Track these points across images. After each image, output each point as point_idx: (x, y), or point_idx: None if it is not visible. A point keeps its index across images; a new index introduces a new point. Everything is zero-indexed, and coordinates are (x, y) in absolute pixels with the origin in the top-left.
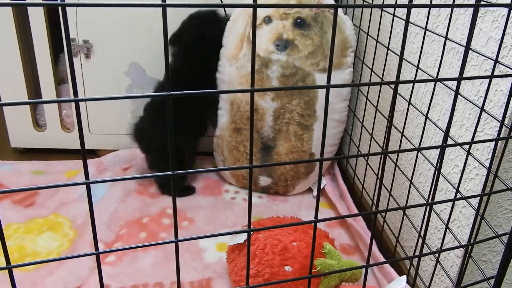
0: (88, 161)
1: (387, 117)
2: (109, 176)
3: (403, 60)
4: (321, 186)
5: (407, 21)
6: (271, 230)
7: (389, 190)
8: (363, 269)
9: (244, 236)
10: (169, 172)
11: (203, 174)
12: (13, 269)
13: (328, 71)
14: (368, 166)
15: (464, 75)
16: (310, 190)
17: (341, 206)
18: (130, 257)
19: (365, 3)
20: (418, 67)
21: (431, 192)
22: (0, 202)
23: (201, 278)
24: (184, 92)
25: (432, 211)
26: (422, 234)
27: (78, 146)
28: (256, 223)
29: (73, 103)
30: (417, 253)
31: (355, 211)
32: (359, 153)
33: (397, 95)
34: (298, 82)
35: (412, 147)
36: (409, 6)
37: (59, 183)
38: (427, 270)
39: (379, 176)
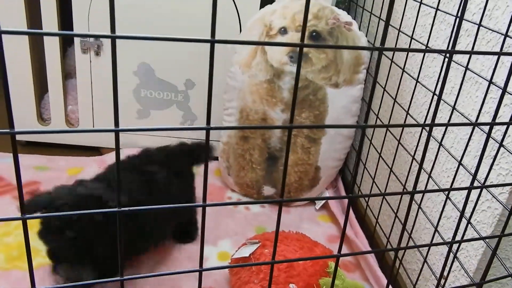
0: (91, 158)
1: (398, 138)
2: None
3: (439, 99)
4: (324, 200)
5: (447, 68)
6: (277, 246)
7: (404, 224)
8: (365, 287)
9: (250, 250)
10: (118, 278)
11: (208, 179)
12: (10, 269)
13: (366, 112)
14: (374, 183)
15: (497, 120)
16: (312, 203)
17: (343, 221)
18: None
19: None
20: (454, 108)
21: (456, 230)
22: (0, 197)
23: (202, 287)
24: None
25: (439, 237)
26: (442, 271)
27: (81, 143)
28: (260, 236)
29: (79, 99)
30: (420, 277)
31: (357, 227)
32: (365, 169)
33: (430, 137)
34: (309, 95)
35: (437, 187)
36: (450, 51)
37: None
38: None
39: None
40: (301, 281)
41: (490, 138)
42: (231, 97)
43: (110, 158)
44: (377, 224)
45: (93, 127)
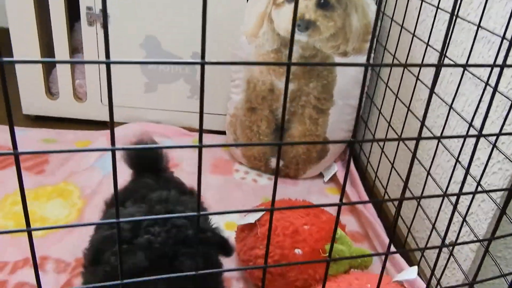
0: (99, 132)
1: (407, 105)
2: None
3: (429, 47)
4: (333, 172)
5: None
6: (282, 212)
7: (405, 180)
8: (373, 258)
9: (255, 216)
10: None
11: (215, 151)
12: (20, 236)
13: (368, 51)
14: (383, 153)
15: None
16: (321, 175)
17: (352, 193)
18: None
19: None
20: (445, 55)
21: (448, 183)
22: (9, 168)
23: None
24: None
25: (449, 203)
26: (445, 224)
27: (89, 117)
28: (267, 204)
29: (87, 73)
30: (429, 244)
31: (366, 198)
32: (374, 142)
33: (419, 81)
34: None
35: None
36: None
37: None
38: (438, 263)
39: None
40: (306, 246)
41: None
42: (238, 68)
43: (118, 132)
44: (386, 194)
45: (101, 101)
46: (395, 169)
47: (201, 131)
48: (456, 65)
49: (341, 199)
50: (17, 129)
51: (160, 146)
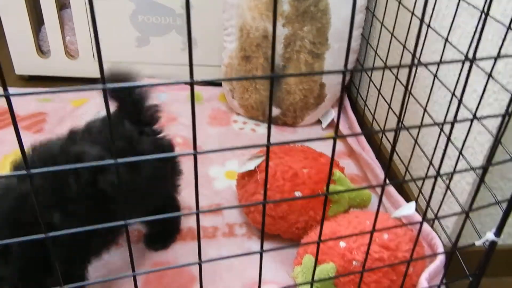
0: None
1: (403, 44)
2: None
3: None
4: (331, 118)
5: None
6: (281, 157)
7: (400, 117)
8: (372, 197)
9: (255, 163)
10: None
11: (213, 104)
12: None
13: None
14: (380, 95)
15: None
16: (319, 122)
17: (350, 138)
18: None
19: None
20: None
21: (446, 115)
22: (7, 128)
23: (211, 203)
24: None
25: (444, 136)
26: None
27: (83, 74)
28: (265, 152)
29: (77, 30)
30: (426, 181)
31: (365, 143)
32: (371, 84)
33: (415, 17)
34: (310, 7)
35: (428, 72)
36: None
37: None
38: (435, 198)
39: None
40: (306, 188)
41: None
42: (230, 16)
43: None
44: (383, 134)
45: (93, 57)
46: (392, 110)
47: (191, 67)
48: None
49: (336, 132)
50: (11, 90)
51: (152, 84)
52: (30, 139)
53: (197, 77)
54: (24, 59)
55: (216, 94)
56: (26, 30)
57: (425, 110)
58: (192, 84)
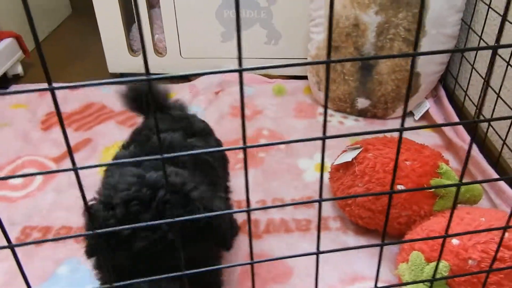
0: (181, 85)
1: None
2: (202, 100)
3: None
4: (425, 110)
5: None
6: (380, 149)
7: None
8: (482, 193)
9: (351, 155)
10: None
11: (297, 96)
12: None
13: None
14: (485, 83)
15: None
16: (411, 114)
17: (448, 130)
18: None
19: None
20: None
21: None
22: (105, 123)
23: (302, 196)
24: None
25: None
26: None
27: (170, 71)
28: (362, 142)
29: (165, 28)
30: None
31: (465, 135)
32: (472, 72)
33: None
34: None
35: None
36: None
37: None
38: None
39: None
40: (410, 182)
41: None
42: (318, 6)
43: (199, 83)
44: (491, 126)
45: (180, 54)
46: (501, 99)
47: (240, 54)
48: None
49: (402, 123)
50: (104, 87)
51: (201, 73)
52: (125, 132)
53: (283, 71)
54: (117, 57)
55: (300, 87)
56: (119, 29)
57: None
58: (240, 71)
